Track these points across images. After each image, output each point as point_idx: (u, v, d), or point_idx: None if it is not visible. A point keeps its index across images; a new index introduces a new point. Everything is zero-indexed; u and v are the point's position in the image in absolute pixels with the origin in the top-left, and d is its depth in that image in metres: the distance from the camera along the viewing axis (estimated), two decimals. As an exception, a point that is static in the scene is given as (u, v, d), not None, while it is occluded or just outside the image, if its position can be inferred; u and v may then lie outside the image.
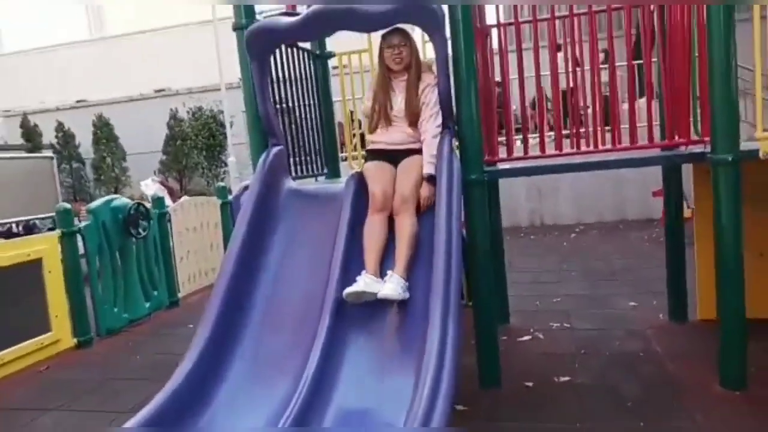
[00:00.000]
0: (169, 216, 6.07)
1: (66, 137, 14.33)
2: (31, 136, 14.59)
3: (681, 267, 4.09)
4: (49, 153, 12.87)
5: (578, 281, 5.61)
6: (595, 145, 3.63)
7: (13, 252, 4.36)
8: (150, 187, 10.72)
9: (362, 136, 5.36)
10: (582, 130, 3.72)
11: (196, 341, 2.51)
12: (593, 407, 2.96)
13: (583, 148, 3.67)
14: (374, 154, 3.24)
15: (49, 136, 14.34)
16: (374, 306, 2.67)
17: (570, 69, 3.72)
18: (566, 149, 3.70)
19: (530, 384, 3.29)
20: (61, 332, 4.66)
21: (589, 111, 3.69)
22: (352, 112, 5.30)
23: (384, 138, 3.20)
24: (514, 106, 5.07)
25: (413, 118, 3.13)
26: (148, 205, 5.79)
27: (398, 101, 3.17)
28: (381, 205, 2.98)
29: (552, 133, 3.99)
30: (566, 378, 3.33)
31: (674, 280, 4.11)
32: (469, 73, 3.21)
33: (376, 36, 3.52)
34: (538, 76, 3.62)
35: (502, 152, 3.74)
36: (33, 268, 4.49)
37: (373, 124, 3.24)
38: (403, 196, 2.98)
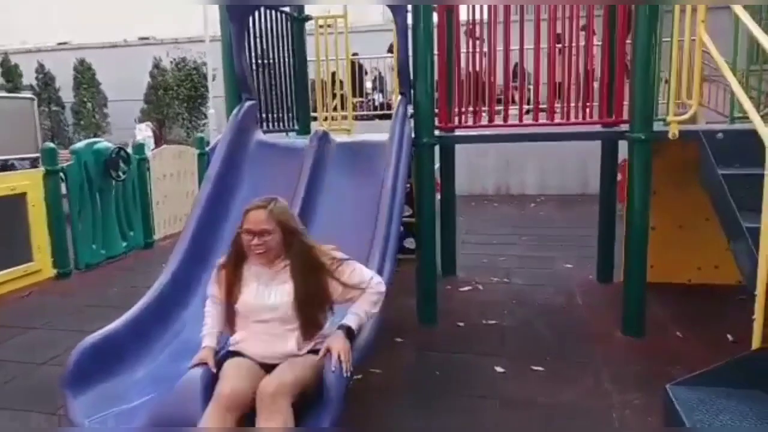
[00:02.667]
0: (149, 162, 6.37)
1: (46, 79, 14.32)
2: (11, 76, 14.53)
3: (611, 234, 4.57)
4: (29, 94, 12.90)
5: (526, 244, 6.10)
6: (550, 119, 4.03)
7: (0, 185, 4.67)
8: (143, 131, 10.87)
9: (342, 96, 5.71)
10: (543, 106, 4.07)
11: (171, 260, 2.93)
12: (512, 345, 3.45)
13: (540, 120, 4.07)
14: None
15: (29, 78, 14.31)
16: (328, 242, 3.08)
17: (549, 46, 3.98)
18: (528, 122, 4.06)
19: (462, 324, 3.77)
20: (42, 263, 5.01)
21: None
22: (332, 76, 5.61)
23: (253, 348, 2.20)
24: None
25: (310, 315, 2.19)
26: (129, 150, 6.09)
27: (274, 295, 2.19)
28: (226, 404, 1.97)
29: (516, 107, 4.40)
30: (494, 321, 3.81)
31: (604, 246, 4.59)
32: (426, 46, 3.58)
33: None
34: (507, 51, 3.87)
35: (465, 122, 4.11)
36: (17, 202, 4.80)
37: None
38: (279, 386, 2.00)
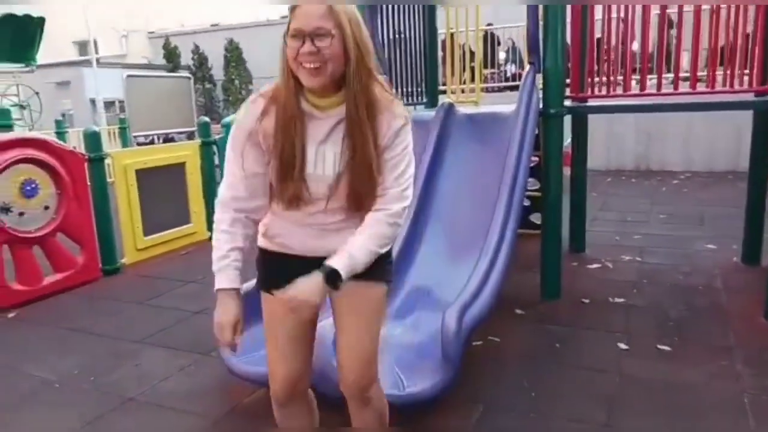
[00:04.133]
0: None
1: (200, 59, 15.71)
2: (171, 57, 16.13)
3: (760, 214, 4.19)
4: (186, 74, 14.25)
5: (663, 223, 5.75)
6: (692, 87, 3.77)
7: (166, 155, 5.31)
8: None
9: (464, 68, 5.73)
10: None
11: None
12: (639, 324, 3.34)
13: (681, 89, 3.82)
14: (276, 266, 1.64)
15: (186, 58, 15.79)
16: (451, 213, 3.20)
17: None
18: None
19: (587, 301, 3.71)
20: (198, 226, 5.64)
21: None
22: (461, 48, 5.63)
23: (295, 240, 1.61)
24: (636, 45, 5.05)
25: (358, 199, 1.52)
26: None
27: (327, 159, 1.50)
28: (286, 397, 1.71)
29: (654, 76, 4.13)
30: (621, 300, 3.70)
31: (751, 226, 4.23)
32: (556, 15, 3.50)
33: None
34: (646, 16, 3.66)
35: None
36: (179, 170, 5.43)
37: (274, 195, 1.58)
38: (362, 371, 1.65)
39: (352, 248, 1.49)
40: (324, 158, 1.48)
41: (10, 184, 3.97)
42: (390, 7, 4.19)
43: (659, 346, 3.00)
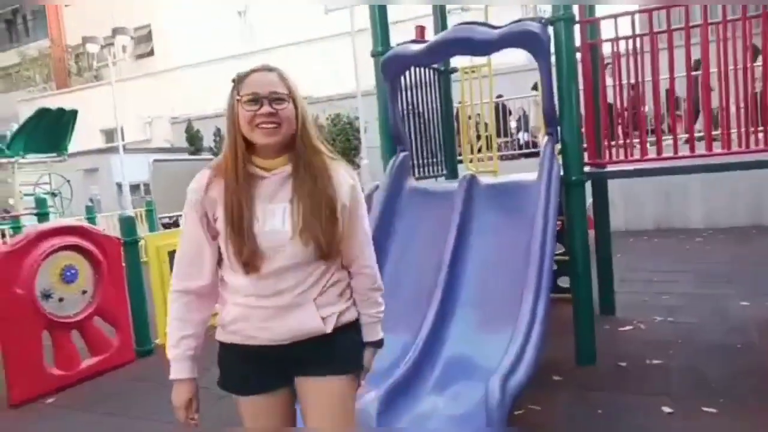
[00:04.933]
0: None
1: (222, 141, 16.25)
2: (193, 139, 16.76)
3: (792, 268, 4.18)
4: (208, 155, 14.76)
5: (692, 282, 5.71)
6: (708, 148, 3.86)
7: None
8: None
9: (478, 137, 5.91)
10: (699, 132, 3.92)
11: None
12: (680, 385, 3.29)
13: (698, 151, 3.92)
14: (236, 363, 1.62)
15: (208, 140, 16.38)
16: (481, 281, 3.24)
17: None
18: (684, 153, 3.93)
19: (623, 364, 3.66)
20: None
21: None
22: (469, 118, 5.85)
23: (255, 323, 1.54)
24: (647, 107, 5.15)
25: (320, 248, 1.52)
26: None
27: (276, 215, 1.52)
28: None
29: (671, 137, 4.24)
30: (659, 361, 3.66)
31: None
32: (570, 85, 3.67)
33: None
34: (655, 80, 3.80)
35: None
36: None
37: (228, 269, 1.56)
38: None
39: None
40: (273, 215, 1.50)
41: (51, 271, 4.11)
42: (405, 81, 4.40)
43: (705, 408, 2.95)
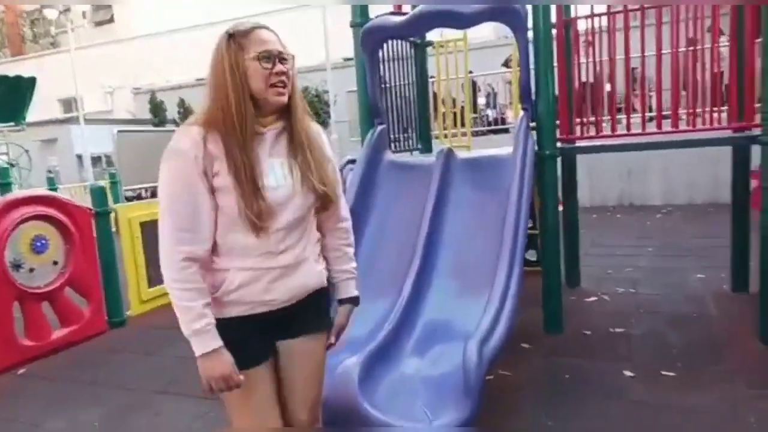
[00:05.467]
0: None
1: (186, 113, 15.92)
2: (157, 111, 16.37)
3: (745, 243, 4.41)
4: (172, 127, 14.46)
5: (652, 256, 5.96)
6: (674, 125, 4.01)
7: (151, 210, 5.28)
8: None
9: (454, 114, 5.98)
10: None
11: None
12: (641, 352, 3.48)
13: (665, 128, 4.06)
14: (237, 337, 1.53)
15: (172, 112, 16.02)
16: (457, 251, 3.34)
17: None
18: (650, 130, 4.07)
19: (588, 332, 3.84)
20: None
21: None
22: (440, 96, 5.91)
23: (259, 287, 1.55)
24: (608, 87, 5.32)
25: (322, 198, 1.61)
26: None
27: (276, 169, 1.55)
28: None
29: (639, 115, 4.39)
30: (621, 329, 3.85)
31: (738, 255, 4.44)
32: (547, 63, 3.76)
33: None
34: (627, 58, 3.93)
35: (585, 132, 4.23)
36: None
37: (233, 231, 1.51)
38: (315, 416, 1.78)
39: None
40: (274, 170, 1.52)
41: (21, 241, 4.03)
42: (383, 55, 4.42)
43: (664, 372, 3.13)
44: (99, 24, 25.24)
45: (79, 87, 15.07)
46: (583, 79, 4.25)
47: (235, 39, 1.50)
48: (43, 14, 18.17)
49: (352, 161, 4.48)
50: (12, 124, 10.87)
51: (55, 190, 9.78)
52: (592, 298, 4.60)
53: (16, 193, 4.43)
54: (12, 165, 11.12)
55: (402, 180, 3.95)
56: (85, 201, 5.03)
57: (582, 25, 4.19)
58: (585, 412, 2.81)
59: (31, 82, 10.83)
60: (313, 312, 1.67)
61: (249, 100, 1.48)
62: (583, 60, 4.16)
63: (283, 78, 1.51)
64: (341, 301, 1.79)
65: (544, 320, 3.92)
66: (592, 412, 2.80)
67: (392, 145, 4.53)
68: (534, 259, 5.00)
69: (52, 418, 3.17)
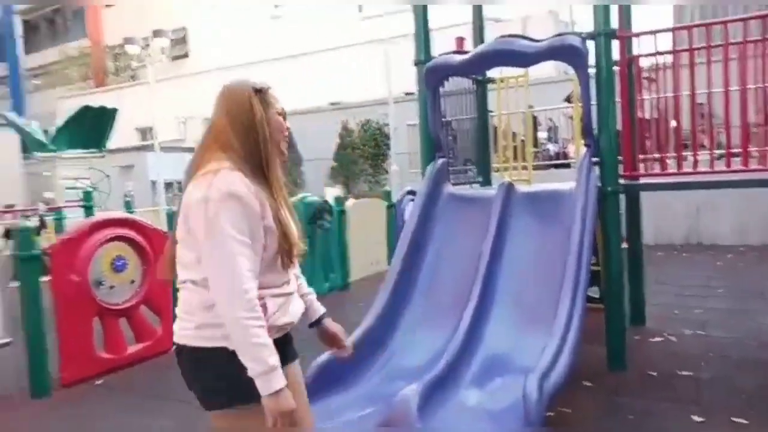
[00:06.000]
0: (345, 214, 7.18)
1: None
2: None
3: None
4: (239, 156, 15.06)
5: (723, 297, 5.72)
6: (744, 164, 3.91)
7: None
8: (329, 192, 12.06)
9: (514, 148, 6.01)
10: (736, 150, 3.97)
11: (379, 298, 3.40)
12: (710, 396, 3.35)
13: (734, 166, 3.95)
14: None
15: (239, 142, 16.73)
16: (517, 283, 3.36)
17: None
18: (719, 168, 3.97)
19: (654, 373, 3.73)
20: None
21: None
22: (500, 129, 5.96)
23: (294, 307, 1.74)
24: (674, 123, 5.23)
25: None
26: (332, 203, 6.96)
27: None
28: None
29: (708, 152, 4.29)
30: (689, 372, 3.71)
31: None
32: (608, 99, 3.77)
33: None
34: (693, 95, 3.88)
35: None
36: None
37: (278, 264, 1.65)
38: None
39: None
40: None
41: (104, 260, 4.32)
42: (443, 90, 4.53)
43: (735, 419, 3.01)
44: (175, 58, 26.80)
45: (155, 117, 15.99)
46: (647, 115, 4.21)
47: (262, 94, 1.64)
48: (125, 49, 19.43)
49: (412, 192, 4.58)
50: (95, 150, 11.64)
51: (131, 213, 10.37)
52: (657, 339, 4.46)
53: (100, 215, 4.75)
54: (93, 189, 11.89)
55: (462, 212, 4.02)
56: (156, 224, 5.34)
57: (645, 63, 4.17)
58: (649, 454, 2.73)
59: (113, 112, 11.62)
60: (292, 338, 1.80)
61: (275, 150, 1.66)
62: (646, 96, 4.13)
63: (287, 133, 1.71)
64: (323, 315, 1.93)
65: (607, 358, 3.84)
66: (657, 455, 2.72)
67: (452, 177, 4.61)
68: (597, 296, 4.91)
69: (126, 428, 3.35)
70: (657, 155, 4.16)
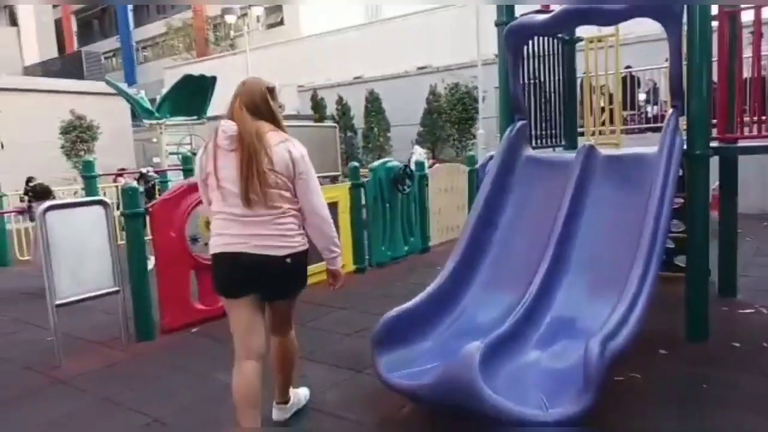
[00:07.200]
0: (427, 178, 7.26)
1: (344, 109, 16.86)
2: (318, 107, 17.50)
3: None
4: (332, 123, 15.42)
5: (831, 271, 5.30)
6: None
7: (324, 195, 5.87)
8: (417, 153, 12.12)
9: (602, 110, 5.79)
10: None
11: (451, 257, 3.49)
12: (798, 371, 3.18)
13: None
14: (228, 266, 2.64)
15: (331, 108, 17.06)
16: (591, 249, 3.32)
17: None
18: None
19: (737, 344, 3.58)
20: (345, 259, 6.12)
21: None
22: (592, 89, 5.73)
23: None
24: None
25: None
26: (413, 167, 7.05)
27: None
28: (247, 355, 2.64)
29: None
30: (777, 345, 3.53)
31: None
32: (702, 56, 3.55)
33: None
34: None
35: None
36: (331, 209, 5.97)
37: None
38: (283, 321, 2.80)
39: None
40: None
41: (200, 218, 4.68)
42: (528, 52, 4.44)
43: (822, 394, 2.86)
44: (270, 26, 27.55)
45: (251, 85, 16.62)
46: (746, 74, 3.93)
47: (272, 92, 2.59)
48: (224, 19, 20.26)
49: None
50: (195, 117, 12.36)
51: (227, 177, 10.99)
52: (748, 310, 4.24)
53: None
54: (194, 154, 12.67)
55: (540, 175, 3.98)
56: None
57: (747, 16, 3.87)
58: (721, 424, 2.67)
59: (212, 80, 12.23)
60: None
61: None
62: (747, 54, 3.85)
63: None
64: None
65: (686, 326, 3.72)
66: (732, 425, 2.65)
67: (536, 141, 4.54)
68: (684, 264, 4.71)
69: (218, 371, 3.69)
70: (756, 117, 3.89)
